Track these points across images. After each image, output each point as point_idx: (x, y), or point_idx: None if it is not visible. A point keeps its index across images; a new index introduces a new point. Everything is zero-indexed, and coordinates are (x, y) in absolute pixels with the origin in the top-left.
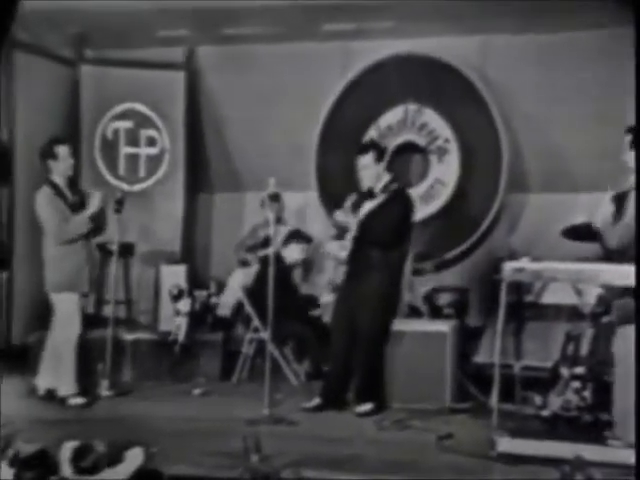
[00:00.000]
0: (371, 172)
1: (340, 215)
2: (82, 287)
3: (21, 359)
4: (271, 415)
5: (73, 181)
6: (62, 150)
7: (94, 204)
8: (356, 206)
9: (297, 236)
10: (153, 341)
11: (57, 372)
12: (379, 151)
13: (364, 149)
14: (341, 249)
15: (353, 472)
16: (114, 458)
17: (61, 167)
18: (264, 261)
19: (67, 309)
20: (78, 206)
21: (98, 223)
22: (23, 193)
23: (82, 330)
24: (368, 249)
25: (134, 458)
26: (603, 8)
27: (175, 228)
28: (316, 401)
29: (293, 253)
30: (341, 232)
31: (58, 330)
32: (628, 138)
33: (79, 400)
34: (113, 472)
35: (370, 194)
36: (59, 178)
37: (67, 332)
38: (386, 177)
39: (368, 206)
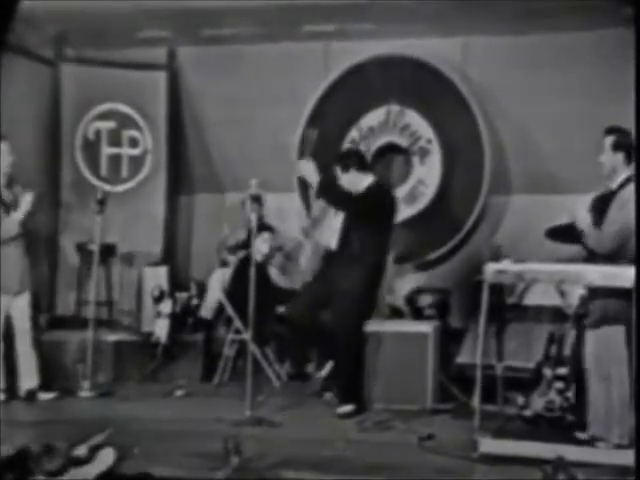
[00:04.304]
0: (349, 178)
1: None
2: (10, 288)
3: None
4: (252, 416)
5: (11, 180)
6: (1, 146)
7: (25, 206)
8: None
9: (259, 229)
10: (135, 342)
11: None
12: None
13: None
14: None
15: (334, 473)
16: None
17: (0, 163)
18: (242, 261)
19: None
20: (12, 207)
21: (31, 225)
22: None
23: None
24: (349, 248)
25: (104, 458)
26: (588, 9)
27: (157, 229)
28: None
29: (259, 247)
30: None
31: None
32: (609, 139)
33: None
34: (82, 472)
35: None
36: None
37: None
38: (369, 179)
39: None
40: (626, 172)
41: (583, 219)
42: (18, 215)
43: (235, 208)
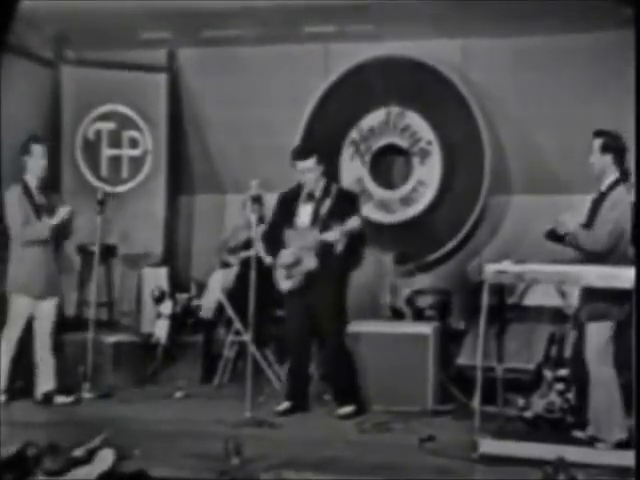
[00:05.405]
0: (313, 175)
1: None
2: (34, 291)
3: None
4: (253, 417)
5: (46, 184)
6: (37, 149)
7: (60, 216)
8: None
9: None
10: (135, 343)
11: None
12: (320, 154)
13: (306, 153)
14: (289, 256)
15: (334, 474)
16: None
17: (34, 166)
18: (244, 263)
19: (15, 310)
20: (44, 210)
21: (63, 232)
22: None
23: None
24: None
25: (103, 460)
26: (587, 11)
27: (157, 230)
28: (285, 404)
29: None
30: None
31: (5, 329)
32: (597, 141)
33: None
34: (82, 472)
35: (310, 197)
36: (31, 178)
37: (9, 333)
38: (323, 179)
39: (309, 209)
40: (615, 174)
41: (574, 220)
42: (52, 221)
43: (235, 208)
